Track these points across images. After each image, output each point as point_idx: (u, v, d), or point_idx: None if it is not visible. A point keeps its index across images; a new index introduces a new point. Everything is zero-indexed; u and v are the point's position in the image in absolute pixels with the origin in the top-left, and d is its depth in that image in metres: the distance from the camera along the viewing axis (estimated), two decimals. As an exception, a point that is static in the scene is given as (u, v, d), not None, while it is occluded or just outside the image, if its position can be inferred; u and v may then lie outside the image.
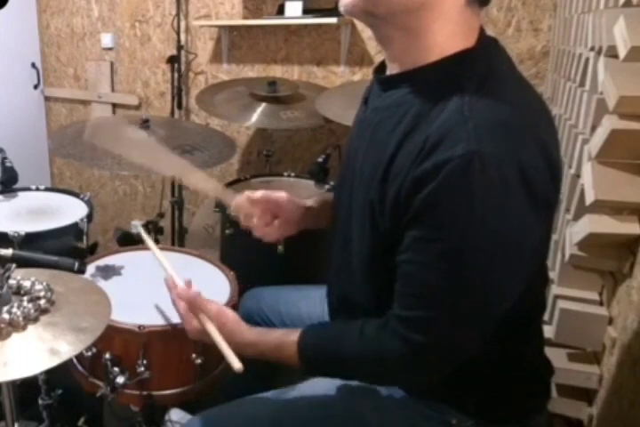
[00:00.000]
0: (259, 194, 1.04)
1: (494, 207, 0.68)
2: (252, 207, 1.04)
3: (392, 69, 0.84)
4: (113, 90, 2.87)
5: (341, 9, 0.79)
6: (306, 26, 2.27)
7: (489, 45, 0.78)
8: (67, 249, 1.50)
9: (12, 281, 0.89)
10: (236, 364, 0.87)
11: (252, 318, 1.24)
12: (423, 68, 0.77)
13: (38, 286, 0.90)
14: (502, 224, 0.69)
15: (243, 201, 1.05)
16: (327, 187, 1.86)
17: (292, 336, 0.88)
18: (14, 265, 0.89)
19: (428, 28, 0.75)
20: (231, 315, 0.95)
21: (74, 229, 1.53)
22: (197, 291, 0.97)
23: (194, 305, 0.96)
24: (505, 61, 0.80)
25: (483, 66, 0.75)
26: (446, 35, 0.75)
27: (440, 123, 0.71)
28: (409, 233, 0.74)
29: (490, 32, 0.80)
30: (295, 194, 1.09)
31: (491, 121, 0.70)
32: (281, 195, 1.05)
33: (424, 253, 0.73)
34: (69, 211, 1.64)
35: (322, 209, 1.10)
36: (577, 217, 1.15)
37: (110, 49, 2.82)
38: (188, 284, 1.01)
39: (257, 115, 2.02)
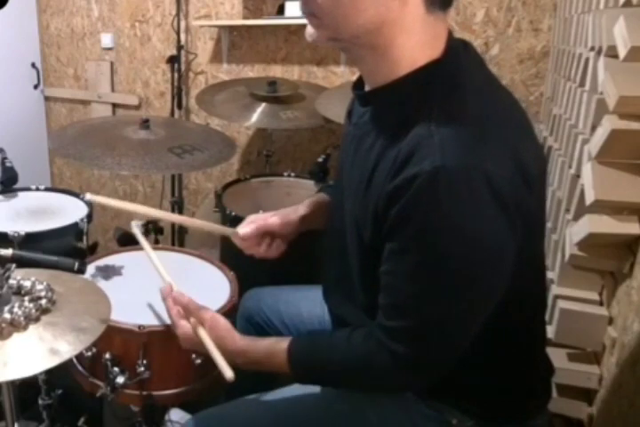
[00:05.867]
0: (250, 229, 1.09)
1: (464, 219, 0.69)
2: (248, 240, 1.10)
3: (368, 85, 0.85)
4: (113, 90, 2.87)
5: (308, 39, 0.81)
6: (306, 26, 2.27)
7: (457, 52, 0.78)
8: (67, 249, 1.50)
9: (12, 281, 0.89)
10: (228, 373, 0.87)
11: (252, 318, 1.24)
12: (393, 84, 0.78)
13: (39, 286, 0.90)
14: (473, 235, 0.69)
15: (239, 237, 1.09)
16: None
17: (282, 344, 0.88)
18: (14, 265, 0.89)
19: (392, 43, 0.76)
20: (223, 322, 0.94)
21: (74, 229, 1.53)
22: (190, 297, 0.97)
23: (187, 310, 0.96)
24: (474, 67, 0.80)
25: (450, 76, 0.76)
26: (412, 47, 0.76)
27: (409, 138, 0.73)
28: (387, 246, 0.76)
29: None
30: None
31: (456, 134, 0.70)
32: (272, 222, 1.10)
33: (400, 265, 0.75)
34: (69, 211, 1.64)
35: (316, 212, 1.13)
36: (577, 217, 1.15)
37: (110, 49, 2.82)
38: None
39: (257, 115, 2.02)
